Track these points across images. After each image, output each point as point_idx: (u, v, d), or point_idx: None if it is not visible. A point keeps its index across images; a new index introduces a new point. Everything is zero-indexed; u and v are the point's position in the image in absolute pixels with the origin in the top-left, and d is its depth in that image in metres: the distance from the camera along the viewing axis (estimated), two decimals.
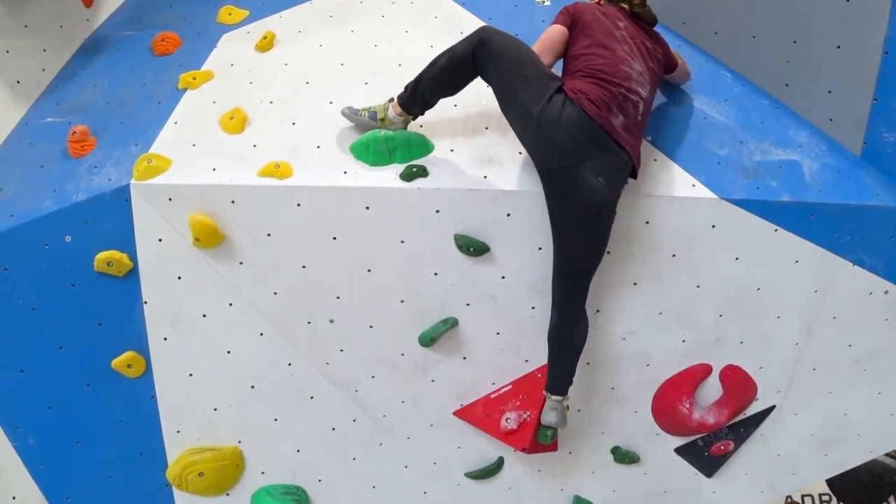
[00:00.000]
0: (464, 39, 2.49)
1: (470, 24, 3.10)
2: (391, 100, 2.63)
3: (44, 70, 3.17)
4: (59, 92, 3.09)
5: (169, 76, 3.01)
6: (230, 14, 3.27)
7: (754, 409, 3.03)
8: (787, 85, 2.89)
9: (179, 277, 2.68)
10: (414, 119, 2.66)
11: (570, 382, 2.71)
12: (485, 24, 2.72)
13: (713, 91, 2.94)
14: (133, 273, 2.67)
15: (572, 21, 2.57)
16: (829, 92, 2.79)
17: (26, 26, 3.12)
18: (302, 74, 2.94)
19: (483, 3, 3.20)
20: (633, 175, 2.49)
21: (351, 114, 2.66)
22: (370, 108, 2.65)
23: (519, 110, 2.41)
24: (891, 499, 6.57)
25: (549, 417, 2.69)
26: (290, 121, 2.78)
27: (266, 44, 3.07)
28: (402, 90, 2.61)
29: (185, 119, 2.82)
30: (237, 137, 2.74)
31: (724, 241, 2.66)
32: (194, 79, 2.97)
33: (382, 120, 2.62)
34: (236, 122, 2.77)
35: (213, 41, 3.15)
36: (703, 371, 2.89)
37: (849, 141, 2.80)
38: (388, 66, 2.93)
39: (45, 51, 3.18)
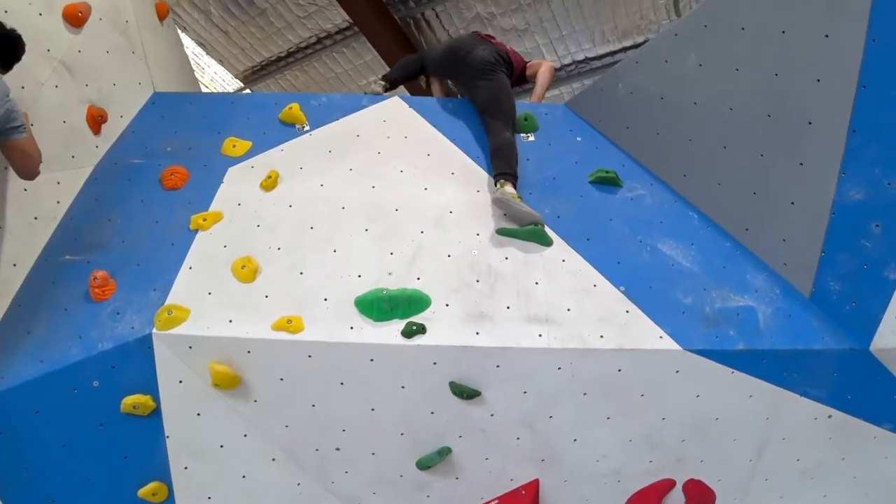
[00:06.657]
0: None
1: (459, 161, 3.40)
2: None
3: (58, 202, 3.26)
4: (74, 225, 3.24)
5: (179, 214, 3.24)
6: (234, 146, 3.46)
7: None
8: (746, 230, 3.20)
9: (199, 414, 2.94)
10: None
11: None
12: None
13: (681, 234, 3.24)
14: (156, 412, 2.92)
15: None
16: (784, 240, 3.10)
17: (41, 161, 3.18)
18: (305, 218, 3.19)
19: (469, 138, 3.47)
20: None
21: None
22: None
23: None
24: None
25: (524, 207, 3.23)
26: (298, 269, 3.03)
27: (270, 183, 3.29)
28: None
29: (198, 264, 3.06)
30: (249, 286, 3.00)
31: (686, 383, 2.97)
32: (205, 220, 3.19)
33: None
34: (248, 272, 3.01)
35: (220, 175, 3.37)
36: (668, 485, 3.23)
37: (800, 284, 3.11)
38: (386, 211, 3.20)
39: (58, 183, 3.26)
